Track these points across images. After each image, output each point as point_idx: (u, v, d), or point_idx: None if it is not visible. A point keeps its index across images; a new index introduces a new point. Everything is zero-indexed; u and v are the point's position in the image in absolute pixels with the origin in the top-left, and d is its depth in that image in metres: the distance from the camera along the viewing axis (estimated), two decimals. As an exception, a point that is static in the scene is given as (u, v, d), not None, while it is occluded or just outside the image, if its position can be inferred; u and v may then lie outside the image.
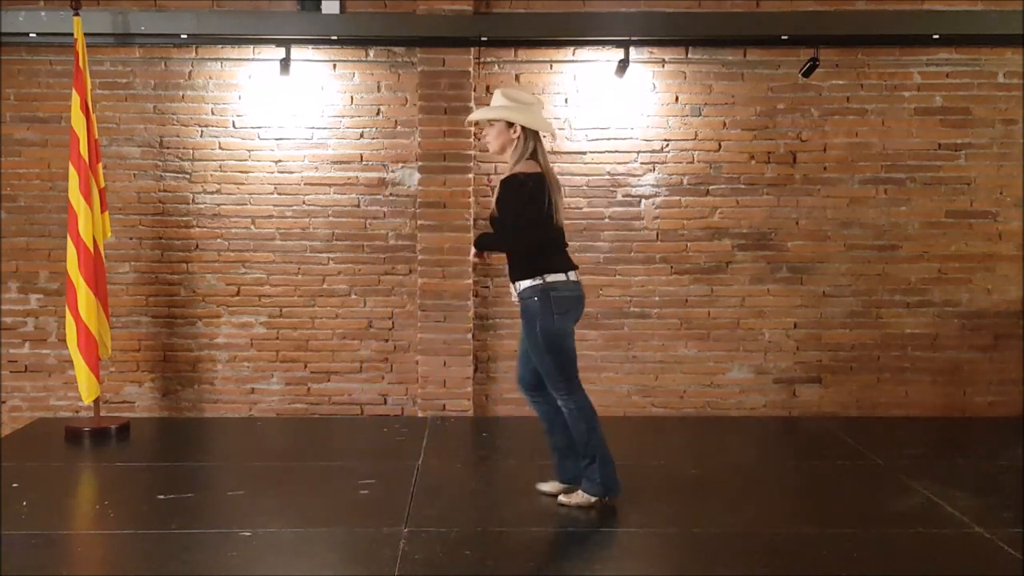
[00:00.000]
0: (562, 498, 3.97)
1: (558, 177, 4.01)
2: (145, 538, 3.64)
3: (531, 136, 3.85)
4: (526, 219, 3.75)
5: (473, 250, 4.04)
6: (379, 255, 5.62)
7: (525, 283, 3.82)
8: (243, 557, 3.43)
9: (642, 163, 5.62)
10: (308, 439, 5.24)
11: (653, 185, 5.62)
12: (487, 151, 5.47)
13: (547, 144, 5.54)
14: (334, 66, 5.56)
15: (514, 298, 3.94)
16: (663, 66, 5.59)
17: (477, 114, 4.05)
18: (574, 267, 3.91)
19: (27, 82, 5.52)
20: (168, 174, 5.59)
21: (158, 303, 5.63)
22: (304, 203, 5.60)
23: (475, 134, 5.51)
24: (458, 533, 3.66)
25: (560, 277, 3.83)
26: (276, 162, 5.58)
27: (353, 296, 5.64)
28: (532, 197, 3.75)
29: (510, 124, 3.84)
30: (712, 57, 5.57)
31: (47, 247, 5.57)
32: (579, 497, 3.93)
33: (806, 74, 5.42)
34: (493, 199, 3.89)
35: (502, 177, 3.86)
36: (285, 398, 5.67)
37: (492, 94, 4.04)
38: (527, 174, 3.79)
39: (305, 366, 5.66)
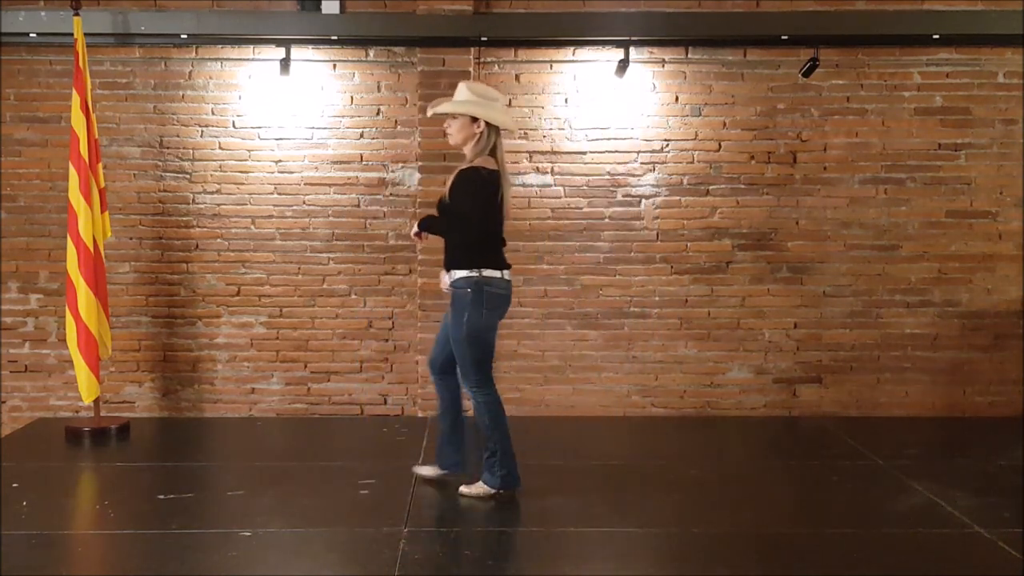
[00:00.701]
0: (463, 488, 4.09)
1: (510, 175, 4.27)
2: (145, 538, 3.64)
3: (493, 132, 3.94)
4: (474, 212, 3.86)
5: (415, 228, 4.06)
6: (379, 255, 5.62)
7: (461, 273, 3.93)
8: (243, 557, 3.43)
9: (642, 163, 5.62)
10: (308, 439, 5.24)
11: (653, 185, 5.62)
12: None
13: (545, 144, 5.60)
14: (334, 66, 5.56)
15: (445, 286, 4.03)
16: (663, 66, 5.59)
17: (444, 107, 4.01)
18: (508, 266, 4.02)
19: (27, 82, 5.52)
20: (168, 174, 5.59)
21: (158, 303, 5.63)
22: (304, 203, 5.60)
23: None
24: (458, 533, 3.66)
25: (496, 274, 3.94)
26: (276, 162, 5.59)
27: (353, 296, 5.64)
28: (485, 192, 3.87)
29: (474, 119, 3.91)
30: (712, 57, 5.57)
31: (47, 247, 5.57)
32: (479, 488, 4.05)
33: (806, 74, 5.42)
34: (447, 185, 3.96)
35: (460, 167, 3.95)
36: (285, 398, 5.67)
37: (458, 87, 4.03)
38: (487, 170, 3.90)
39: (305, 366, 5.66)
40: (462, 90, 3.98)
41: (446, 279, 4.01)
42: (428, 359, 4.26)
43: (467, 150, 3.98)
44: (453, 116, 3.96)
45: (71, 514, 4.08)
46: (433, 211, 5.41)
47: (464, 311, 3.91)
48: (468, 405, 4.16)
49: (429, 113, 4.05)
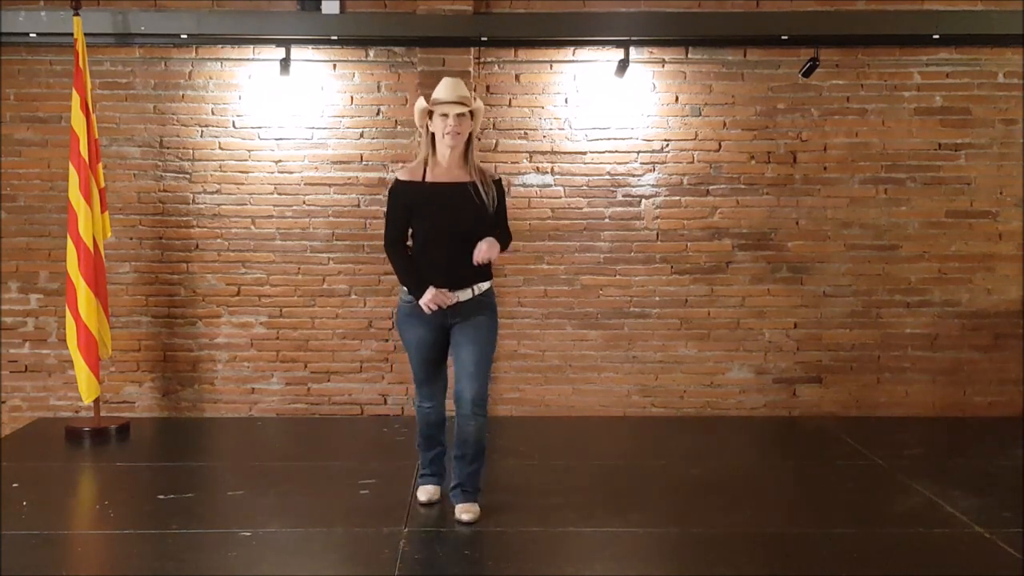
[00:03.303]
0: (466, 517, 3.75)
1: None
2: (145, 538, 3.64)
3: None
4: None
5: (496, 253, 3.67)
6: (379, 255, 5.58)
7: (486, 284, 3.74)
8: (243, 557, 3.43)
9: (642, 163, 5.62)
10: (308, 439, 5.24)
11: (653, 185, 5.62)
12: (488, 151, 5.52)
13: (545, 144, 5.61)
14: (334, 66, 5.56)
15: (453, 299, 3.64)
16: (663, 66, 5.59)
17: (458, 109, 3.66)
18: None
19: (27, 82, 5.52)
20: (168, 174, 5.59)
21: (158, 303, 5.63)
22: (304, 203, 5.60)
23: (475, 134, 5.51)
24: (458, 533, 3.66)
25: None
26: (276, 162, 5.59)
27: (353, 296, 5.64)
28: None
29: (473, 117, 3.72)
30: (712, 57, 5.57)
31: (47, 247, 5.57)
32: (476, 508, 3.81)
33: (806, 74, 5.42)
34: (491, 197, 3.68)
35: (491, 175, 3.74)
36: (285, 398, 5.67)
37: (455, 81, 3.73)
38: None
39: (305, 366, 5.66)
40: (463, 85, 3.73)
41: (461, 294, 3.65)
42: (431, 389, 3.83)
43: (457, 149, 3.66)
44: (470, 113, 3.66)
45: (71, 514, 4.08)
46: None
47: (495, 319, 3.77)
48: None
49: (455, 110, 3.60)
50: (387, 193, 3.83)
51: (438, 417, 3.92)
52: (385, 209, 3.87)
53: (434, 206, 3.64)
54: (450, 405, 3.85)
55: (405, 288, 3.74)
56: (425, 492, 3.97)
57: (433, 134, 3.68)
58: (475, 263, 3.61)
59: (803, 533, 3.72)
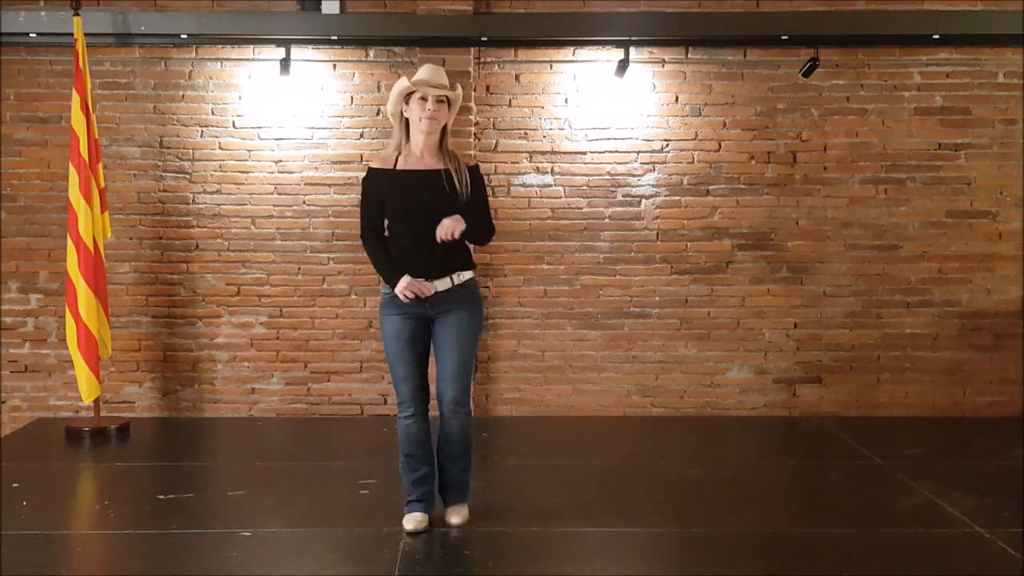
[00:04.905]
0: (456, 520, 3.72)
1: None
2: (145, 538, 3.64)
3: None
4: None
5: (460, 229, 3.51)
6: (379, 255, 5.61)
7: (468, 274, 3.64)
8: (243, 557, 3.43)
9: (642, 163, 5.62)
10: (308, 439, 5.24)
11: (653, 185, 5.62)
12: (488, 151, 5.53)
13: (545, 144, 5.61)
14: (334, 66, 5.56)
15: (431, 289, 3.55)
16: (663, 66, 5.59)
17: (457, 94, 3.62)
18: None
19: (27, 82, 5.52)
20: (168, 174, 5.59)
21: (158, 303, 5.63)
22: (304, 203, 5.60)
23: (475, 134, 5.52)
24: (458, 533, 3.66)
25: None
26: (276, 162, 5.59)
27: (353, 296, 5.64)
28: None
29: (451, 106, 3.62)
30: (712, 57, 5.57)
31: (47, 247, 5.57)
32: (465, 510, 3.77)
33: (806, 74, 5.42)
34: (463, 183, 3.56)
35: (466, 162, 3.64)
36: (285, 398, 5.67)
37: (436, 67, 3.63)
38: None
39: (305, 366, 5.66)
40: (443, 72, 3.62)
41: (439, 283, 3.56)
42: (412, 391, 3.64)
43: (434, 136, 3.57)
44: (447, 99, 3.56)
45: (71, 514, 4.08)
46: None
47: (480, 310, 3.68)
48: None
49: (435, 92, 3.51)
50: (360, 182, 3.75)
51: (420, 432, 3.66)
52: (359, 200, 3.77)
53: (405, 194, 3.56)
54: (433, 406, 3.75)
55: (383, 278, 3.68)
56: (412, 520, 3.64)
57: (407, 121, 3.60)
58: (438, 239, 3.47)
59: (803, 533, 3.72)
